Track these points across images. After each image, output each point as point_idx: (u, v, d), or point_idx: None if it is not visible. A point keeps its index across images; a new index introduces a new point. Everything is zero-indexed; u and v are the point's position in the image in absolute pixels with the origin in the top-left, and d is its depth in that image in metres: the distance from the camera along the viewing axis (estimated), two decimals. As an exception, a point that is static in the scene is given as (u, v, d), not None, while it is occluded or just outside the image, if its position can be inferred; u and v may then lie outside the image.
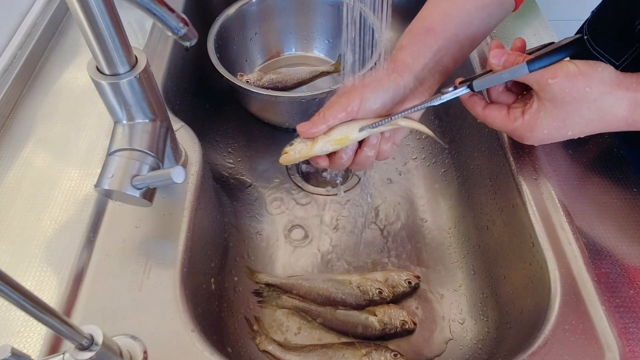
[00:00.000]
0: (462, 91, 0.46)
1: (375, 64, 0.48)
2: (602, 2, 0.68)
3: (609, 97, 0.40)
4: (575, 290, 0.44)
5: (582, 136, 0.43)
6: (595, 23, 0.70)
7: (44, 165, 0.54)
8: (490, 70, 0.44)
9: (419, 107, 0.46)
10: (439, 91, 0.47)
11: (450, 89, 0.46)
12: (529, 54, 0.44)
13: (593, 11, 0.71)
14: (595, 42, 0.68)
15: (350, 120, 0.45)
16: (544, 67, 0.40)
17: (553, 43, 0.44)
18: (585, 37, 0.70)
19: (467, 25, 0.50)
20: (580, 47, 0.42)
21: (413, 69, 0.47)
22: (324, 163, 0.48)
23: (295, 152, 0.47)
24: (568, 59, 0.41)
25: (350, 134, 0.45)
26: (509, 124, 0.44)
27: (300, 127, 0.46)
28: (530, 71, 0.41)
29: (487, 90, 0.47)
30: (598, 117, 0.40)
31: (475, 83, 0.44)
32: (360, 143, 0.47)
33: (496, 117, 0.45)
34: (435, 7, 0.50)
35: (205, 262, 0.54)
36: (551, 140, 0.43)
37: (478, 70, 0.65)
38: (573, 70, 0.40)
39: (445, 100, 0.46)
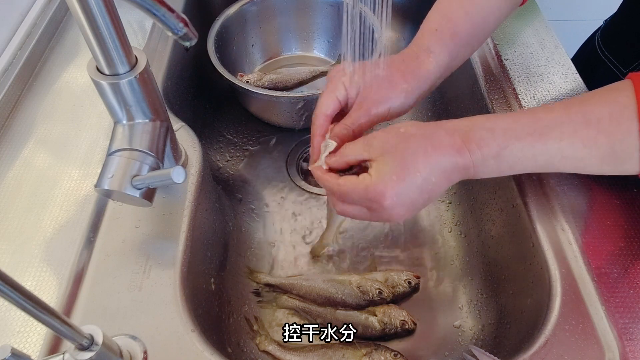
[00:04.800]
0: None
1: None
2: (616, 12, 0.70)
3: (426, 128, 0.42)
4: (575, 290, 0.44)
5: (436, 182, 0.41)
6: (608, 30, 0.72)
7: (44, 165, 0.54)
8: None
9: None
10: None
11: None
12: None
13: (606, 20, 0.73)
14: (606, 48, 0.70)
15: None
16: None
17: None
18: (597, 42, 0.71)
19: (483, 26, 0.51)
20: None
21: (430, 78, 0.48)
22: None
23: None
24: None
25: None
26: (358, 188, 0.41)
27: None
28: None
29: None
30: (429, 143, 0.41)
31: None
32: None
33: (347, 184, 0.42)
34: (458, 5, 0.50)
35: (205, 262, 0.54)
36: (410, 192, 0.41)
37: (478, 70, 0.65)
38: (386, 129, 0.42)
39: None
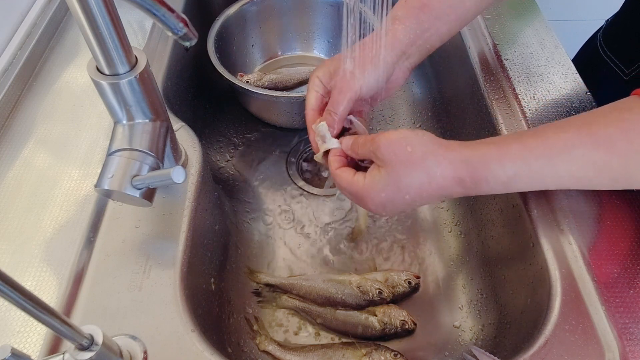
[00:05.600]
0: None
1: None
2: (618, 11, 0.70)
3: (431, 157, 0.41)
4: (575, 290, 0.44)
5: (423, 203, 0.43)
6: (610, 30, 0.71)
7: (44, 165, 0.54)
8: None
9: None
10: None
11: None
12: None
13: (607, 20, 0.73)
14: (608, 48, 0.70)
15: None
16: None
17: None
18: (599, 42, 0.71)
19: (459, 4, 0.50)
20: None
21: (402, 45, 0.48)
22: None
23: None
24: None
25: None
26: (351, 186, 0.44)
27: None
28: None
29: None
30: (427, 180, 0.41)
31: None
32: None
33: (343, 178, 0.45)
34: None
35: (205, 262, 0.54)
36: (393, 206, 0.43)
37: (478, 70, 0.65)
38: (395, 136, 0.42)
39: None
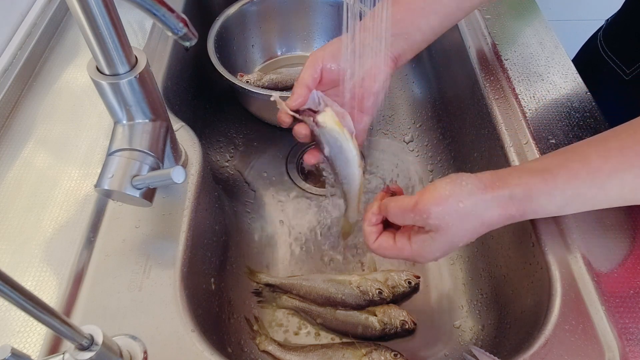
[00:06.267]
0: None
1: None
2: (619, 11, 0.70)
3: (481, 203, 0.40)
4: (575, 290, 0.44)
5: (472, 241, 0.43)
6: (610, 30, 0.71)
7: (44, 165, 0.54)
8: None
9: None
10: None
11: None
12: None
13: (607, 20, 0.73)
14: (608, 48, 0.70)
15: None
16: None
17: None
18: (599, 42, 0.71)
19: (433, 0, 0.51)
20: None
21: (373, 31, 0.47)
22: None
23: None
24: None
25: None
26: (400, 254, 0.44)
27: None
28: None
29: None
30: (479, 223, 0.41)
31: None
32: None
33: (387, 248, 0.45)
34: None
35: (205, 262, 0.54)
36: (445, 254, 0.44)
37: (478, 70, 0.65)
38: (442, 194, 0.40)
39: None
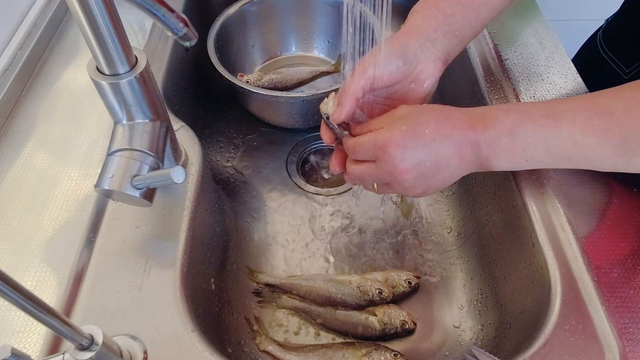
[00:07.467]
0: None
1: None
2: (618, 11, 0.70)
3: (444, 106, 0.45)
4: (575, 290, 0.44)
5: (445, 142, 0.42)
6: (610, 30, 0.71)
7: (44, 165, 0.54)
8: None
9: None
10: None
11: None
12: None
13: (608, 19, 0.73)
14: (608, 47, 0.70)
15: None
16: None
17: None
18: (599, 42, 0.71)
19: None
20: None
21: (423, 31, 0.48)
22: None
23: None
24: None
25: None
26: (371, 135, 0.44)
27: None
28: None
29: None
30: (444, 115, 0.44)
31: None
32: None
33: (363, 136, 0.45)
34: None
35: (205, 262, 0.54)
36: (416, 144, 0.42)
37: (478, 70, 0.65)
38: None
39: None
